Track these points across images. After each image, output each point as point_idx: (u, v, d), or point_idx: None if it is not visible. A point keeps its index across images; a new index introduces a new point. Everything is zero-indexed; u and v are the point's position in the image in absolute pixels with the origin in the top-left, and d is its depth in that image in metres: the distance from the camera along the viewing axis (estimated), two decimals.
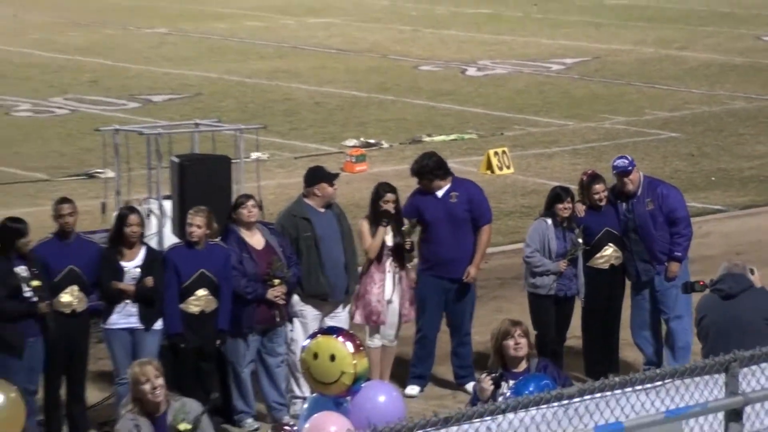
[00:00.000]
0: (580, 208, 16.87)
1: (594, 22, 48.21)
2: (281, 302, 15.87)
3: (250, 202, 16.23)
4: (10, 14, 48.67)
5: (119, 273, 15.50)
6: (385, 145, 28.33)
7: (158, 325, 15.50)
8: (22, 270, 15.12)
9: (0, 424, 10.58)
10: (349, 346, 10.82)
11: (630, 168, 16.87)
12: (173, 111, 30.15)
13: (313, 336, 11.89)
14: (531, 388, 10.80)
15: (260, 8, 50.60)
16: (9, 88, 35.00)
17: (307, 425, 10.62)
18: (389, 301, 16.43)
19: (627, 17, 49.26)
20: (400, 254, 16.46)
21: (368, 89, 35.38)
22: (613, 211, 17.07)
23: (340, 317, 16.02)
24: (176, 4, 51.21)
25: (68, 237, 15.85)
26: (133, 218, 15.91)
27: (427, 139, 24.08)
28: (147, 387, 11.35)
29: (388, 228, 16.30)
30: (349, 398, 10.90)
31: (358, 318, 16.50)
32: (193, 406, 11.62)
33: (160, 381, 11.39)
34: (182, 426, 11.23)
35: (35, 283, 15.09)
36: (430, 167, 16.94)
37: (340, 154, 26.17)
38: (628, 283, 17.25)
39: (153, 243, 16.70)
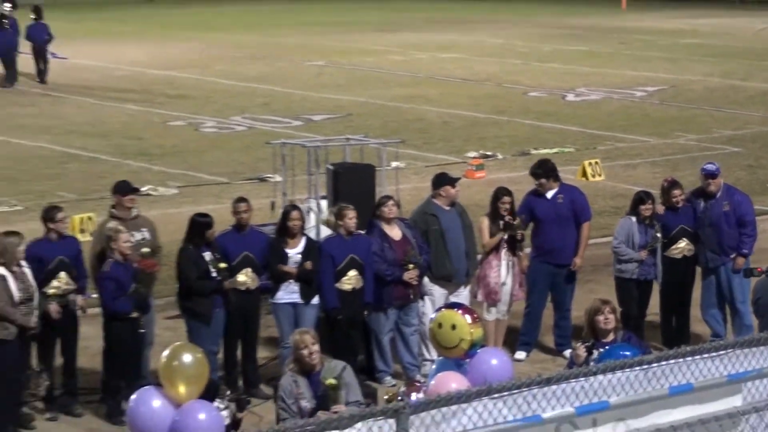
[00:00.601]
0: (660, 209, 16.96)
1: (670, 57, 47.80)
2: (414, 283, 15.95)
3: (390, 202, 16.36)
4: (202, 49, 49.04)
5: (284, 258, 15.62)
6: (500, 156, 28.28)
7: (315, 300, 15.60)
8: (208, 255, 15.30)
9: (190, 378, 10.69)
10: (468, 318, 11.17)
11: (717, 172, 17.02)
12: (329, 128, 30.21)
13: (438, 310, 12.26)
14: (617, 355, 10.92)
15: (400, 45, 50.56)
16: (198, 109, 35.27)
17: (433, 382, 10.84)
18: (503, 283, 16.52)
19: (697, 53, 48.81)
20: (512, 245, 16.54)
21: (486, 111, 35.24)
22: (689, 211, 17.10)
23: (461, 295, 16.02)
24: (333, 42, 51.27)
25: (244, 229, 16.01)
26: (295, 214, 16.05)
27: (534, 152, 24.12)
28: (305, 352, 11.55)
29: (504, 225, 16.47)
30: (467, 360, 11.08)
31: (480, 296, 16.57)
32: (339, 366, 11.79)
33: (316, 347, 11.62)
34: (329, 382, 11.41)
35: (221, 265, 15.29)
36: (546, 170, 17.08)
37: (463, 164, 26.15)
38: (698, 270, 17.27)
39: (312, 234, 16.84)
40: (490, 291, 16.58)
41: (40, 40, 41.12)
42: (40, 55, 41.18)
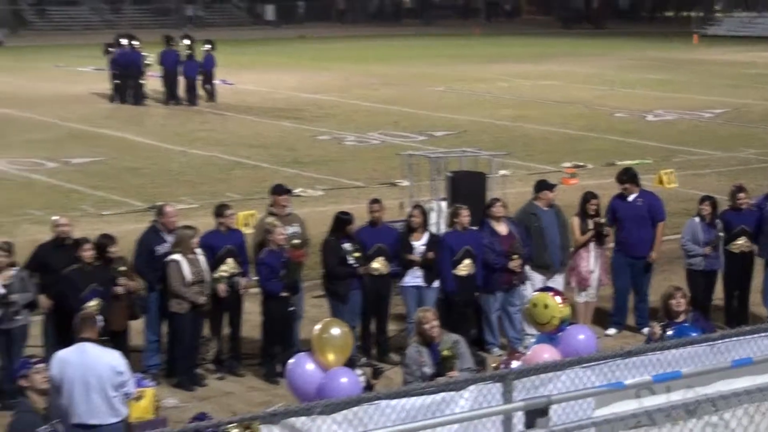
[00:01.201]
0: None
1: (734, 84, 47.39)
2: (518, 271, 15.88)
3: (498, 203, 16.34)
4: (344, 77, 49.34)
5: (410, 249, 15.63)
6: (590, 166, 28.10)
7: (435, 284, 15.57)
8: (348, 246, 15.35)
9: (337, 348, 10.83)
10: (558, 299, 11.48)
11: None
12: (448, 142, 30.17)
13: (536, 292, 12.40)
14: (687, 333, 10.91)
15: (507, 74, 50.58)
16: (341, 126, 35.50)
17: (530, 352, 11.04)
18: (592, 271, 16.48)
19: (757, 81, 48.30)
20: (599, 240, 16.49)
21: (578, 129, 35.13)
22: (753, 213, 17.00)
23: (556, 281, 15.94)
24: (451, 72, 51.45)
25: (377, 224, 16.01)
26: (416, 212, 16.12)
27: (618, 162, 23.91)
28: (427, 326, 11.59)
29: (591, 222, 16.46)
30: (559, 335, 11.14)
31: (572, 282, 16.55)
32: (454, 338, 11.80)
33: (436, 323, 11.66)
34: (446, 352, 11.46)
35: (357, 254, 15.32)
36: (630, 176, 17.16)
37: (559, 172, 26.02)
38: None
39: (434, 229, 16.81)
40: (581, 278, 16.55)
41: (210, 67, 41.69)
42: (207, 80, 41.72)
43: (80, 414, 10.60)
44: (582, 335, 11.36)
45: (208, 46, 42.55)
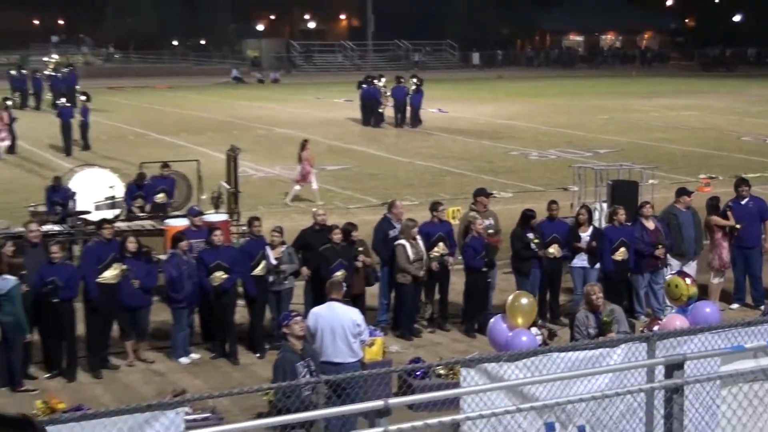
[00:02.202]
0: None
1: None
2: (662, 257, 15.57)
3: (648, 205, 16.09)
4: (530, 107, 48.94)
5: (579, 238, 15.44)
6: (720, 177, 27.28)
7: (597, 266, 15.36)
8: (530, 235, 15.27)
9: (525, 313, 10.97)
10: (687, 281, 11.46)
11: None
12: (609, 158, 29.68)
13: (671, 275, 12.22)
14: None
15: (657, 106, 49.54)
16: (526, 145, 35.31)
17: (664, 320, 11.01)
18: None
19: None
20: (731, 233, 16.25)
21: (711, 149, 34.19)
22: None
23: (690, 267, 15.56)
24: (613, 104, 50.60)
25: (554, 219, 15.88)
26: (583, 210, 15.96)
27: (743, 175, 23.00)
28: (593, 297, 11.46)
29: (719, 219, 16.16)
30: (690, 307, 11.02)
31: (716, 264, 16.35)
32: (612, 307, 11.62)
33: (601, 294, 11.49)
34: (606, 318, 11.38)
35: (537, 241, 15.22)
36: (744, 183, 16.80)
37: (696, 182, 25.32)
38: None
39: (596, 224, 16.61)
40: (723, 263, 16.30)
41: (404, 97, 41.94)
42: (399, 109, 41.83)
43: (328, 354, 10.80)
44: (708, 309, 11.23)
45: (415, 80, 42.65)
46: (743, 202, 16.59)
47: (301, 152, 25.06)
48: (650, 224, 15.75)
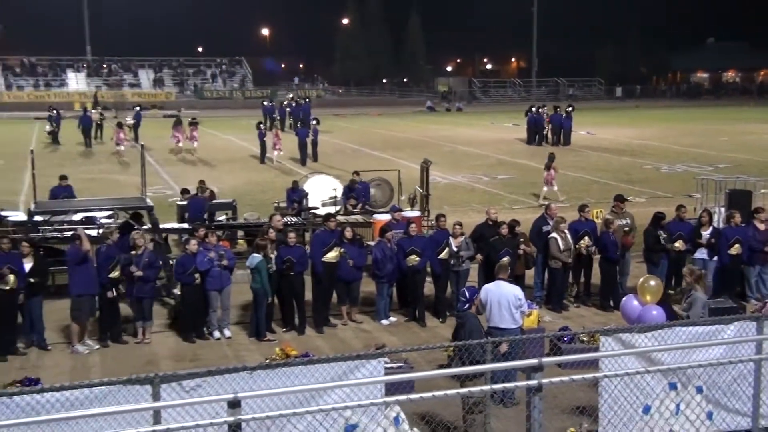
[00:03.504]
0: None
1: None
2: None
3: (763, 211, 15.19)
4: (663, 130, 47.23)
5: (700, 236, 14.80)
6: None
7: (715, 258, 14.69)
8: (660, 232, 14.74)
9: (653, 292, 10.64)
10: None
11: None
12: (728, 171, 28.23)
13: None
14: None
15: None
16: (658, 160, 33.99)
17: None
18: None
19: None
20: None
21: None
22: None
23: None
24: (732, 129, 48.19)
25: (683, 220, 15.28)
26: (705, 213, 15.34)
27: None
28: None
29: None
30: None
31: None
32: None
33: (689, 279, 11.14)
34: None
35: (664, 236, 14.71)
36: None
37: None
38: None
39: (716, 225, 15.85)
40: None
41: (560, 122, 41.31)
42: (555, 131, 41.24)
43: (496, 321, 10.71)
44: None
45: (569, 109, 42.49)
46: None
47: (549, 163, 25.41)
48: (761, 226, 14.89)
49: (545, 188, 25.25)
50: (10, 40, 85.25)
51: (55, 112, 43.91)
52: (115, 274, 12.87)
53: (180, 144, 38.13)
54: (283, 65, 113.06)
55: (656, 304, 10.68)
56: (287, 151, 35.02)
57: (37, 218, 16.25)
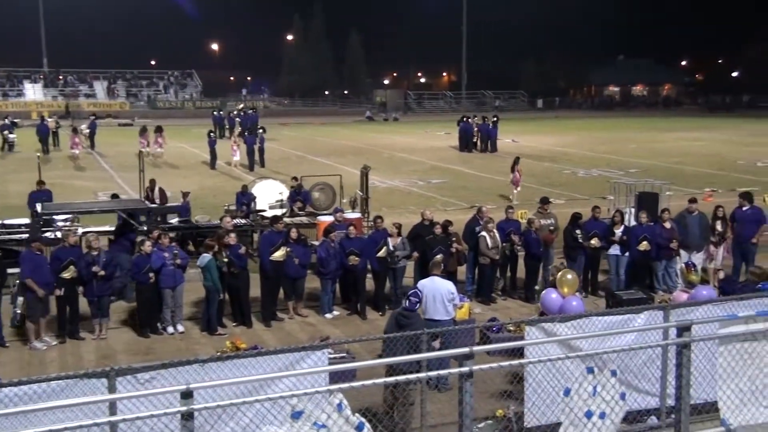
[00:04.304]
0: None
1: None
2: (675, 248, 15.07)
3: (666, 211, 15.58)
4: (580, 138, 47.80)
5: (613, 233, 15.01)
6: (720, 191, 26.18)
7: (626, 254, 14.94)
8: (577, 231, 14.86)
9: (570, 285, 10.68)
10: (692, 269, 10.78)
11: None
12: (637, 176, 28.79)
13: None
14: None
15: (675, 138, 47.95)
16: (576, 165, 33.95)
17: (674, 294, 10.53)
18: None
19: None
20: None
21: (715, 169, 33.06)
22: None
23: (696, 257, 15.02)
24: (641, 137, 48.86)
25: (597, 219, 15.49)
26: (617, 213, 15.55)
27: (738, 189, 22.08)
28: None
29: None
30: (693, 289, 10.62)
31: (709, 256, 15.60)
32: None
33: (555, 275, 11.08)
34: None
35: (581, 235, 14.85)
36: (745, 195, 16.08)
37: (701, 193, 24.28)
38: None
39: (626, 223, 16.09)
40: (709, 255, 15.63)
41: (488, 131, 41.80)
42: (483, 139, 41.72)
43: (430, 314, 10.74)
44: (705, 291, 10.77)
45: (495, 119, 43.09)
46: (744, 209, 15.84)
47: (515, 166, 25.89)
48: (667, 225, 15.24)
49: (515, 190, 25.55)
50: None
51: (7, 120, 42.92)
52: (66, 274, 12.54)
53: (146, 149, 37.84)
54: (232, 77, 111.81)
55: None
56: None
57: None
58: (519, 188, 25.64)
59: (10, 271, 12.87)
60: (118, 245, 14.38)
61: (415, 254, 14.49)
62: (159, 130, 39.23)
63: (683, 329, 6.95)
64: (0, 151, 39.93)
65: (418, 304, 9.43)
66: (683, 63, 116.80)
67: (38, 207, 16.18)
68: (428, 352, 7.23)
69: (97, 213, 16.71)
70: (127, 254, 14.28)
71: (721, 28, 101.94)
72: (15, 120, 44.96)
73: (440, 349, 8.10)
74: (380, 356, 10.52)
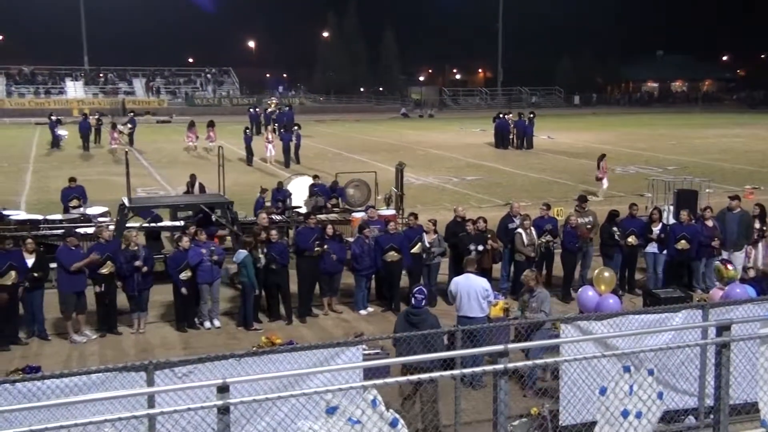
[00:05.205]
0: None
1: None
2: (717, 247, 14.87)
3: (709, 209, 15.44)
4: (617, 135, 47.42)
5: (651, 231, 14.82)
6: (762, 188, 25.73)
7: (664, 252, 14.74)
8: (615, 229, 14.74)
9: (607, 282, 10.64)
10: (730, 267, 11.10)
11: None
12: (676, 172, 28.49)
13: (717, 262, 11.53)
14: None
15: (714, 135, 47.17)
16: (613, 162, 33.88)
17: (711, 292, 10.43)
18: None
19: None
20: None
21: (755, 166, 32.52)
22: None
23: (736, 256, 14.74)
24: (679, 133, 48.33)
25: (634, 217, 15.37)
26: (655, 211, 15.37)
27: None
28: (527, 281, 10.68)
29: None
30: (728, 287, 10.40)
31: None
32: (540, 291, 10.63)
33: (532, 282, 10.67)
34: (523, 299, 10.71)
35: (618, 233, 14.75)
36: None
37: (742, 191, 23.87)
38: None
39: (665, 221, 15.90)
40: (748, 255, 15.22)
41: (524, 127, 41.39)
42: (519, 136, 41.57)
43: (465, 311, 10.72)
44: (739, 289, 10.58)
45: (531, 116, 42.80)
46: None
47: (601, 162, 26.06)
48: (709, 223, 15.03)
49: (604, 186, 25.79)
50: (11, 49, 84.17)
51: (53, 118, 43.59)
52: (104, 270, 12.69)
53: (194, 144, 38.96)
54: (268, 75, 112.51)
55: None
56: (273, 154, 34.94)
57: (37, 216, 16.20)
58: (604, 184, 25.79)
59: (52, 265, 13.07)
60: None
61: (448, 249, 14.46)
62: (211, 124, 40.10)
63: (723, 328, 6.84)
64: (48, 148, 40.59)
65: (424, 301, 9.33)
66: (724, 58, 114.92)
67: (124, 200, 16.25)
68: (463, 348, 7.21)
69: (182, 208, 17.07)
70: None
71: (762, 22, 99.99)
72: (59, 117, 45.67)
73: (474, 346, 8.07)
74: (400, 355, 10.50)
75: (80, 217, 17.27)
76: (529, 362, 6.34)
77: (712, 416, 7.21)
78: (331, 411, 6.62)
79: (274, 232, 13.79)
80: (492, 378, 6.45)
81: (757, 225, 15.37)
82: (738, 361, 7.43)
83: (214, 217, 15.92)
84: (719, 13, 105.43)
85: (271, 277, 13.41)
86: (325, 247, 13.81)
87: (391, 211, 17.97)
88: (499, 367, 6.16)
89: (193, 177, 20.68)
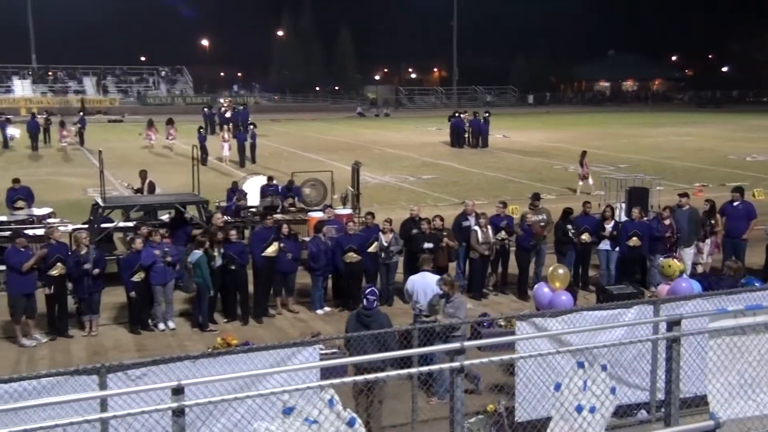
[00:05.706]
0: None
1: None
2: (672, 243, 15.11)
3: (667, 208, 15.60)
4: (572, 134, 47.89)
5: (604, 228, 14.98)
6: (710, 185, 26.24)
7: (617, 249, 14.95)
8: (568, 226, 14.86)
9: (561, 279, 10.67)
10: (676, 261, 10.92)
11: None
12: (627, 170, 28.94)
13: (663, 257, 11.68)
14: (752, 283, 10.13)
15: (664, 133, 47.91)
16: (567, 161, 34.30)
17: (658, 288, 10.65)
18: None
19: None
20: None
21: (704, 164, 33.17)
22: None
23: (687, 252, 15.02)
24: (630, 132, 49.06)
25: (587, 214, 15.53)
26: (608, 208, 15.41)
27: (727, 184, 22.16)
28: (444, 287, 10.21)
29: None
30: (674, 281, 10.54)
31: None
32: (457, 297, 10.21)
33: (446, 288, 10.15)
34: (434, 303, 10.27)
35: (572, 230, 14.85)
36: (737, 190, 16.21)
37: (691, 188, 24.37)
38: None
39: (617, 218, 16.12)
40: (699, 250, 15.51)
41: (479, 126, 41.97)
42: (474, 135, 41.77)
43: (421, 309, 10.74)
44: (684, 283, 10.77)
45: (486, 115, 43.10)
46: (735, 204, 15.87)
47: (583, 159, 26.60)
48: (667, 222, 15.25)
49: (580, 182, 26.38)
50: None
51: (2, 117, 42.75)
52: (54, 272, 12.45)
53: (152, 142, 38.50)
54: (222, 73, 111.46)
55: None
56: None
57: None
58: (590, 181, 26.20)
59: (0, 267, 12.76)
60: (175, 238, 14.37)
61: (405, 250, 14.48)
62: (170, 122, 39.65)
63: (673, 323, 6.97)
64: None
65: (376, 302, 9.31)
66: (673, 58, 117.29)
67: (98, 200, 15.97)
68: (419, 347, 7.23)
69: (156, 207, 16.86)
70: (183, 247, 14.40)
71: (710, 23, 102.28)
72: (9, 117, 44.68)
73: (431, 344, 8.09)
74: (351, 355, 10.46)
75: (28, 218, 16.89)
76: (485, 359, 6.37)
77: (663, 410, 7.35)
78: (287, 411, 6.58)
79: (233, 232, 13.67)
80: (449, 376, 6.48)
81: (708, 221, 15.73)
82: (688, 356, 7.59)
83: (187, 216, 15.74)
84: (669, 14, 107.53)
85: (229, 277, 13.30)
86: (281, 246, 13.74)
87: (347, 211, 17.95)
88: (456, 364, 6.20)
89: (143, 173, 20.39)
